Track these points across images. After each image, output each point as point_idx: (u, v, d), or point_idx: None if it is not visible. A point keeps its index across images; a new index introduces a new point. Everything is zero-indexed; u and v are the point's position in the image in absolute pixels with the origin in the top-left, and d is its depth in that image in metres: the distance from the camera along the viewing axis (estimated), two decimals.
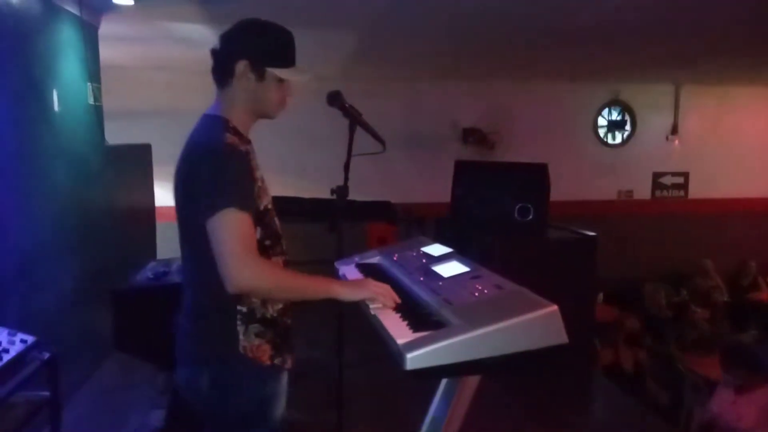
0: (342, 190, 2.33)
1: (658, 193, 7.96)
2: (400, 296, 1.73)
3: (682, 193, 7.98)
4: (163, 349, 2.96)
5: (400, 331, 1.51)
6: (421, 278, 1.89)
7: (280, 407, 1.73)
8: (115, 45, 4.67)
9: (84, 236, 3.65)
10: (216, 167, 1.52)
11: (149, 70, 6.18)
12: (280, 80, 1.66)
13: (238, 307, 1.61)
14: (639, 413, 3.69)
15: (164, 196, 5.54)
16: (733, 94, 7.71)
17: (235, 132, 1.62)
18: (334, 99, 2.07)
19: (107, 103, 4.17)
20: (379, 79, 6.72)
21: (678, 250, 7.54)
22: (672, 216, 7.77)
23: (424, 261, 2.07)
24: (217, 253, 1.48)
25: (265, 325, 1.64)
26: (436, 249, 2.16)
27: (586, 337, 4.08)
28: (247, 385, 1.64)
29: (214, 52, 1.66)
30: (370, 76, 6.64)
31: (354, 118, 2.10)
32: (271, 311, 1.67)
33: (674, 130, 7.77)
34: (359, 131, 2.22)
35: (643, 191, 7.91)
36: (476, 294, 1.64)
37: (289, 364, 1.72)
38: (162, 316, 2.93)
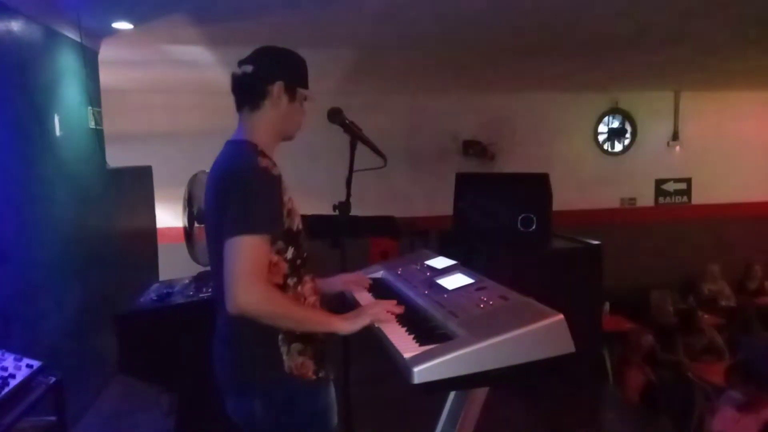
0: (344, 206, 2.32)
1: (661, 199, 7.94)
2: (404, 310, 1.73)
3: (685, 199, 7.96)
4: (168, 371, 2.97)
5: (406, 345, 1.51)
6: (426, 291, 1.89)
7: (333, 418, 1.76)
8: (115, 69, 4.71)
9: (87, 260, 3.65)
10: (247, 192, 1.55)
11: (149, 92, 6.23)
12: (303, 101, 1.74)
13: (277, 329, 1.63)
14: (650, 423, 3.65)
15: (165, 217, 5.56)
16: (733, 98, 7.71)
17: (265, 155, 1.66)
18: (335, 116, 2.08)
19: (108, 127, 4.19)
20: (378, 94, 6.76)
21: (683, 257, 7.50)
22: (676, 222, 7.74)
23: (428, 274, 2.06)
24: (226, 272, 1.51)
25: (305, 342, 1.67)
26: (439, 262, 2.16)
27: (594, 348, 4.05)
28: (299, 402, 1.66)
29: (245, 76, 1.69)
30: (369, 91, 6.68)
31: (355, 134, 2.10)
32: None
33: (675, 137, 7.76)
34: (360, 147, 2.23)
35: (646, 198, 7.90)
36: (481, 305, 1.64)
37: (332, 375, 1.76)
38: (166, 338, 2.94)
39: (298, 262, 1.69)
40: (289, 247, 1.65)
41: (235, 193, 1.56)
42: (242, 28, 3.69)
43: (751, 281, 7.42)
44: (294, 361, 1.64)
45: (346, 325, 1.65)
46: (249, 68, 1.67)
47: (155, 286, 3.34)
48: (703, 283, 7.33)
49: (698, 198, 7.95)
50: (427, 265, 2.16)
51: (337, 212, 2.34)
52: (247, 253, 1.50)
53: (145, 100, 6.26)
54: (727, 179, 7.87)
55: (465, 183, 4.26)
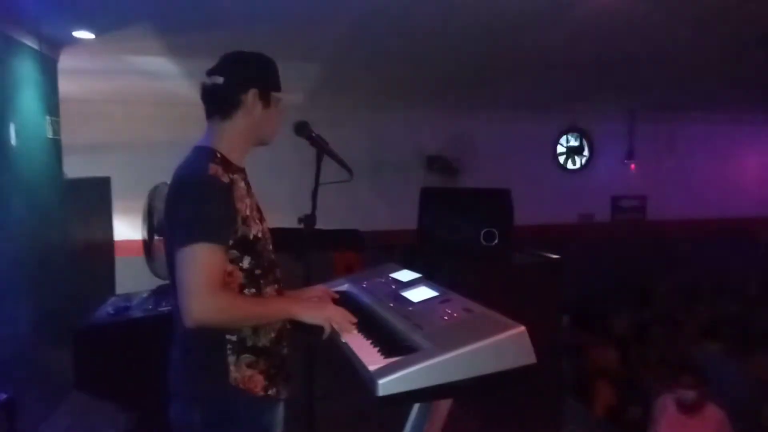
0: (309, 219, 2.32)
1: (617, 216, 8.17)
2: (369, 322, 1.74)
3: (640, 215, 8.21)
4: (126, 388, 2.89)
5: (371, 358, 1.52)
6: (391, 304, 1.90)
7: None
8: (75, 78, 4.61)
9: (41, 273, 3.54)
10: (192, 199, 1.53)
11: (109, 102, 6.11)
12: (279, 105, 1.73)
13: (227, 336, 1.60)
14: None
15: (123, 229, 5.43)
16: (685, 119, 8.04)
17: (223, 161, 1.63)
18: (301, 129, 2.08)
19: (66, 137, 4.09)
20: (343, 108, 6.78)
21: (639, 271, 7.73)
22: (631, 238, 7.97)
23: (393, 287, 2.08)
24: (178, 285, 1.50)
25: (257, 355, 1.63)
26: (404, 275, 2.17)
27: (554, 360, 4.11)
28: (241, 418, 1.61)
29: (216, 87, 1.66)
30: (334, 106, 6.70)
31: (321, 148, 2.11)
32: (264, 341, 1.65)
33: (630, 155, 8.02)
34: (326, 160, 2.24)
35: (602, 214, 8.12)
36: (446, 318, 1.66)
37: (284, 394, 1.72)
38: (124, 354, 2.86)
39: (257, 272, 1.65)
40: (245, 257, 1.61)
41: (182, 202, 1.54)
42: (206, 39, 3.66)
43: (703, 296, 7.66)
44: (241, 373, 1.60)
45: (304, 312, 1.64)
46: (219, 79, 1.65)
47: (112, 299, 3.27)
48: (657, 297, 7.55)
49: (653, 215, 8.21)
50: (392, 278, 2.17)
51: (302, 225, 2.34)
52: (198, 263, 1.48)
53: (105, 110, 6.12)
54: (679, 197, 8.16)
55: (429, 197, 4.28)
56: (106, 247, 5.10)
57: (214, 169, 1.58)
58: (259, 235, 1.67)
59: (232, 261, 1.59)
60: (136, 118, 6.22)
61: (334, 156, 2.14)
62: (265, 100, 1.68)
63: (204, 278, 1.48)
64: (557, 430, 3.84)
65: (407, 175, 6.96)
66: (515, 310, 1.61)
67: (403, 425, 2.03)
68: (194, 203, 1.52)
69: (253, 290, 1.64)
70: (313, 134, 2.10)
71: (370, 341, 1.63)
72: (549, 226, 7.48)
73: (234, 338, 1.60)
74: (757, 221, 8.39)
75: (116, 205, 5.17)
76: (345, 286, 2.32)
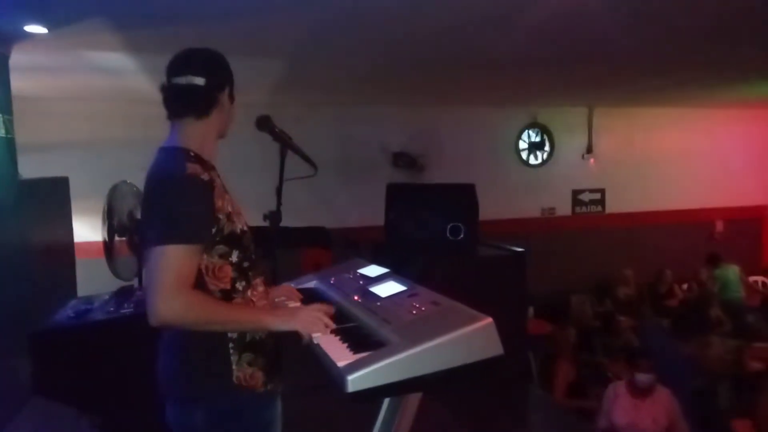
0: (275, 215, 2.31)
1: (577, 209, 8.34)
2: (338, 319, 1.74)
3: (599, 208, 8.40)
4: (88, 392, 2.82)
5: (340, 354, 1.52)
6: (359, 299, 1.90)
7: None
8: (29, 75, 4.46)
9: None
10: (172, 198, 1.53)
11: (65, 100, 5.92)
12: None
13: (229, 334, 1.60)
14: (575, 422, 3.82)
15: (83, 231, 5.29)
16: (642, 114, 8.26)
17: (198, 160, 1.62)
18: (264, 123, 2.07)
19: (20, 136, 3.95)
20: (307, 105, 6.74)
21: (600, 263, 7.91)
22: (592, 230, 8.16)
23: (361, 282, 2.08)
24: (146, 284, 1.50)
25: (255, 351, 1.64)
26: (372, 270, 2.18)
27: (519, 351, 4.19)
28: (245, 415, 1.62)
29: (195, 88, 1.64)
30: (298, 102, 6.66)
31: (284, 142, 2.10)
32: (261, 333, 1.66)
33: (589, 150, 8.20)
34: (290, 156, 2.22)
35: (564, 208, 8.28)
36: (414, 312, 1.67)
37: (281, 387, 1.73)
38: (85, 357, 2.79)
39: (246, 264, 1.66)
40: (234, 251, 1.62)
41: (159, 202, 1.53)
42: (165, 34, 3.59)
43: (662, 285, 7.90)
44: (243, 371, 1.61)
45: (277, 322, 1.62)
46: (199, 80, 1.63)
47: (73, 302, 3.18)
48: (618, 287, 7.74)
49: (611, 207, 8.41)
50: (360, 274, 2.17)
51: (267, 222, 2.32)
52: (169, 264, 1.47)
53: (61, 108, 5.94)
54: (637, 190, 8.39)
55: (396, 194, 4.32)
56: (65, 249, 4.95)
57: (192, 168, 1.57)
58: (245, 228, 1.69)
59: (221, 257, 1.60)
60: (93, 116, 6.05)
61: (297, 150, 2.13)
62: (231, 96, 1.73)
63: (173, 277, 1.47)
64: (523, 418, 3.93)
65: (373, 171, 6.97)
66: (482, 303, 1.63)
67: (373, 421, 2.04)
68: (172, 202, 1.52)
69: (243, 283, 1.65)
70: (276, 129, 2.09)
71: (338, 337, 1.63)
72: (512, 221, 7.60)
73: (235, 335, 1.61)
74: (711, 211, 8.69)
75: (75, 205, 5.02)
76: (313, 283, 2.31)
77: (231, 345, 1.60)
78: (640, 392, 3.69)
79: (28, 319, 3.22)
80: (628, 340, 5.97)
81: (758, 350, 5.15)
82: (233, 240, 1.62)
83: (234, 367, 1.59)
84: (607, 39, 4.00)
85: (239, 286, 1.64)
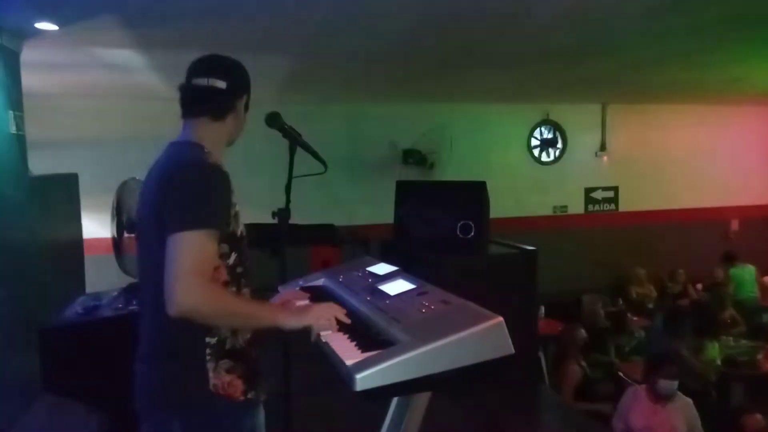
0: (284, 213, 2.29)
1: (590, 207, 8.26)
2: (347, 317, 1.71)
3: (612, 206, 8.32)
4: (97, 388, 2.82)
5: (349, 353, 1.49)
6: (368, 298, 1.88)
7: None
8: (40, 72, 4.48)
9: (6, 272, 3.43)
10: (198, 184, 1.50)
11: (75, 97, 5.95)
12: None
13: (207, 339, 1.55)
14: (587, 423, 3.77)
15: (92, 227, 5.31)
16: (656, 111, 8.15)
17: (212, 157, 1.61)
18: (273, 120, 2.05)
19: (31, 132, 3.97)
20: (316, 102, 6.73)
21: (612, 262, 7.84)
22: (604, 229, 8.08)
23: (369, 280, 2.05)
24: (167, 270, 1.43)
25: (235, 359, 1.59)
26: (381, 268, 2.15)
27: (530, 351, 4.14)
28: (223, 425, 1.57)
29: (215, 90, 1.65)
30: (307, 99, 6.64)
31: (294, 139, 2.08)
32: (241, 341, 1.62)
33: (603, 147, 8.12)
34: (299, 154, 2.20)
35: (576, 206, 8.20)
36: (423, 310, 1.64)
37: (263, 396, 1.68)
38: (94, 353, 2.79)
39: (239, 270, 1.63)
40: (233, 253, 1.59)
41: (182, 188, 1.49)
42: (175, 31, 3.58)
43: (675, 284, 7.82)
44: (221, 379, 1.55)
45: (291, 320, 1.60)
46: (221, 83, 1.65)
47: (81, 299, 3.19)
48: (630, 286, 7.67)
49: (624, 206, 8.32)
50: (369, 272, 2.15)
51: (276, 219, 2.31)
52: (192, 250, 1.44)
53: (71, 105, 5.97)
54: (651, 188, 8.29)
55: (405, 191, 4.29)
56: (74, 245, 4.98)
57: (213, 158, 1.59)
58: (244, 233, 1.66)
59: (220, 256, 1.56)
60: (103, 113, 6.08)
61: (307, 148, 2.11)
62: (247, 103, 1.74)
63: (195, 265, 1.44)
64: (534, 418, 3.89)
65: (383, 168, 6.95)
66: (493, 302, 1.60)
67: (381, 420, 2.01)
68: (196, 189, 1.50)
69: (234, 288, 1.61)
70: (286, 125, 2.07)
71: (347, 336, 1.60)
72: (524, 219, 7.54)
73: (214, 340, 1.56)
74: (727, 210, 8.57)
75: (84, 202, 5.04)
76: (321, 281, 2.29)
77: (208, 351, 1.54)
78: (661, 398, 3.61)
79: (37, 315, 3.23)
80: (641, 340, 5.89)
81: None
82: (234, 241, 1.59)
83: (210, 374, 1.54)
84: (620, 33, 3.94)
85: (229, 290, 1.60)
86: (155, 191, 1.55)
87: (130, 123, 5.93)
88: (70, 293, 3.64)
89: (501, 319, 1.45)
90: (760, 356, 4.90)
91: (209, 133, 1.66)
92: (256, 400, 1.65)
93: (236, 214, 1.60)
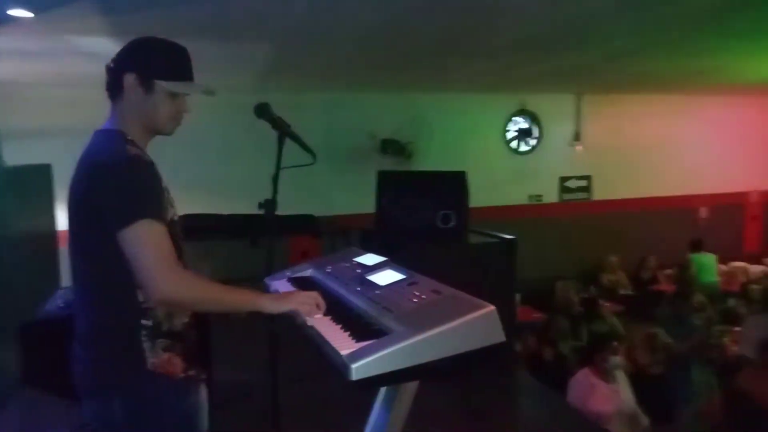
0: (270, 204, 2.29)
1: (565, 196, 8.40)
2: (338, 307, 1.73)
3: (586, 195, 8.47)
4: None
5: (342, 343, 1.51)
6: (358, 288, 1.89)
7: (203, 420, 1.67)
8: (13, 59, 4.37)
9: None
10: (123, 178, 1.49)
11: (49, 86, 5.81)
12: (173, 95, 1.66)
13: (143, 322, 1.55)
14: (563, 406, 3.87)
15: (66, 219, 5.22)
16: (629, 101, 8.30)
17: (135, 145, 1.60)
18: (263, 111, 2.04)
19: (3, 122, 3.88)
20: (294, 91, 6.68)
21: (585, 249, 8.00)
22: (578, 217, 8.23)
23: (358, 271, 2.06)
24: (138, 266, 1.45)
25: (173, 339, 1.59)
26: (369, 259, 2.17)
27: (509, 337, 4.22)
28: (165, 403, 1.57)
29: (107, 68, 1.65)
30: (285, 88, 6.59)
31: (283, 130, 2.07)
32: (178, 324, 1.62)
33: (577, 137, 8.24)
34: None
35: (551, 195, 8.33)
36: (415, 300, 1.66)
37: (204, 375, 1.68)
38: None
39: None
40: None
41: (113, 182, 1.49)
42: (152, 19, 3.52)
43: (646, 271, 8.02)
44: (158, 357, 1.56)
45: (272, 304, 1.62)
46: (111, 63, 1.65)
47: (61, 292, 3.14)
48: (602, 273, 7.84)
49: (598, 194, 8.48)
50: (357, 262, 2.16)
51: (263, 210, 2.30)
52: (149, 240, 1.45)
53: (45, 94, 5.83)
54: (623, 177, 8.47)
55: (387, 181, 4.30)
56: (49, 237, 4.89)
57: (133, 149, 1.57)
58: (175, 218, 1.65)
59: None
60: (78, 102, 5.89)
61: (296, 138, 2.11)
62: (147, 85, 1.62)
63: (160, 253, 1.46)
64: (513, 403, 3.98)
65: (361, 158, 6.95)
66: (473, 290, 1.63)
67: (368, 408, 2.04)
68: (125, 182, 1.49)
69: None
70: (275, 116, 2.06)
71: (339, 326, 1.62)
72: (501, 208, 7.63)
73: (149, 323, 1.56)
74: (696, 198, 8.80)
75: (59, 193, 4.95)
76: (308, 272, 2.30)
77: (143, 333, 1.55)
78: (610, 375, 3.77)
79: (12, 308, 3.17)
80: (613, 325, 6.05)
81: (739, 334, 5.26)
82: (167, 226, 1.57)
83: (147, 353, 1.54)
84: (595, 24, 4.00)
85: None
86: (84, 185, 1.55)
87: (104, 113, 5.76)
88: (45, 286, 3.59)
89: (493, 307, 1.49)
90: (726, 339, 5.08)
91: (119, 117, 1.64)
92: (198, 378, 1.65)
93: (165, 201, 1.60)
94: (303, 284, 2.11)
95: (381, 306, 1.68)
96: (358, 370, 1.37)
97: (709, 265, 7.73)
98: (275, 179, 2.19)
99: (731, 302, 6.79)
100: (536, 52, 4.97)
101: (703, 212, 8.88)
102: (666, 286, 7.59)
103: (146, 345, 1.54)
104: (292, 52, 4.81)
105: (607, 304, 6.68)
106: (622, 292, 7.59)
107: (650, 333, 4.82)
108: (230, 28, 3.85)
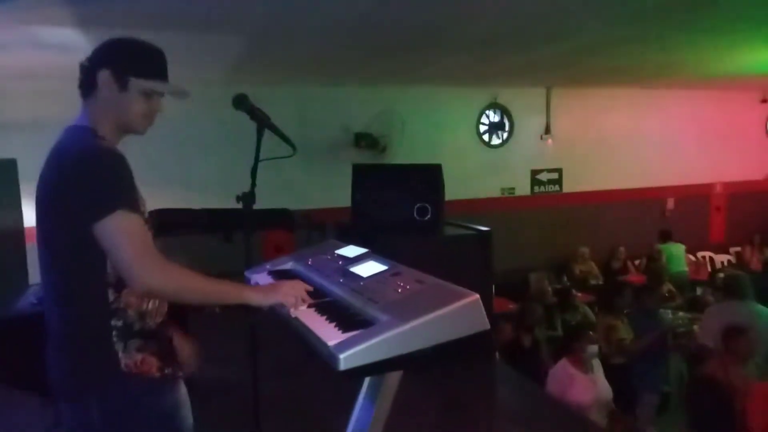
0: (248, 198, 2.27)
1: (536, 188, 8.51)
2: (322, 299, 1.73)
3: (557, 187, 8.60)
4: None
5: (329, 334, 1.51)
6: (341, 280, 1.89)
7: (186, 417, 1.65)
8: None
9: None
10: (96, 170, 1.47)
11: (11, 78, 5.63)
12: (147, 94, 1.64)
13: (113, 322, 1.52)
14: (541, 395, 3.94)
15: (33, 215, 5.08)
16: (597, 95, 8.45)
17: (104, 140, 1.58)
18: (241, 102, 2.02)
19: None
20: (267, 84, 6.61)
21: (557, 241, 8.13)
22: (550, 209, 8.36)
23: (340, 263, 2.06)
24: (118, 257, 1.44)
25: (146, 338, 1.57)
26: (350, 251, 2.17)
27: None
28: (142, 404, 1.55)
29: (81, 65, 1.64)
30: (257, 81, 6.51)
31: (262, 122, 2.05)
32: (151, 323, 1.59)
33: (547, 130, 8.35)
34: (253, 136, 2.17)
35: (523, 188, 8.43)
36: (399, 290, 1.67)
37: (181, 372, 1.65)
38: None
39: None
40: None
41: (86, 175, 1.47)
42: (118, 9, 3.43)
43: (616, 261, 8.19)
44: (132, 358, 1.53)
45: (258, 296, 1.63)
46: (86, 60, 1.64)
47: (33, 289, 3.07)
48: (574, 264, 7.98)
49: (568, 187, 8.62)
50: (338, 255, 2.16)
51: (240, 204, 2.28)
52: (130, 230, 1.44)
53: (7, 87, 5.66)
54: (593, 169, 8.62)
55: (362, 174, 4.29)
56: (15, 234, 4.75)
57: (106, 143, 1.56)
58: (146, 214, 1.62)
59: None
60: (42, 96, 5.77)
61: (275, 130, 2.10)
62: (122, 83, 1.61)
63: (139, 244, 1.45)
64: (490, 392, 4.03)
65: (335, 152, 6.93)
66: (451, 281, 1.65)
67: (352, 401, 2.04)
68: (99, 174, 1.47)
69: None
70: (254, 107, 2.04)
71: (324, 317, 1.62)
72: (475, 201, 7.70)
73: (120, 323, 1.53)
74: (663, 189, 9.01)
75: (24, 189, 4.81)
76: (289, 264, 2.29)
77: (114, 334, 1.52)
78: (587, 364, 3.85)
79: None
80: (585, 314, 6.17)
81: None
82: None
83: (120, 355, 1.51)
84: (564, 19, 4.06)
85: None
86: (56, 180, 1.53)
87: (71, 106, 5.55)
88: (12, 283, 3.49)
89: (477, 296, 1.51)
90: (696, 327, 5.22)
91: (91, 114, 1.63)
92: (174, 375, 1.62)
93: (138, 194, 1.58)
94: (284, 277, 2.10)
95: (365, 297, 1.68)
96: (347, 359, 1.37)
97: (678, 255, 7.93)
98: (254, 172, 2.17)
99: (699, 291, 7.00)
100: (507, 45, 5.02)
101: (671, 203, 9.10)
102: (635, 277, 7.76)
103: (118, 346, 1.52)
104: (264, 45, 4.75)
105: (579, 294, 6.80)
106: (593, 282, 7.74)
107: (609, 325, 4.91)
108: (199, 20, 3.77)
